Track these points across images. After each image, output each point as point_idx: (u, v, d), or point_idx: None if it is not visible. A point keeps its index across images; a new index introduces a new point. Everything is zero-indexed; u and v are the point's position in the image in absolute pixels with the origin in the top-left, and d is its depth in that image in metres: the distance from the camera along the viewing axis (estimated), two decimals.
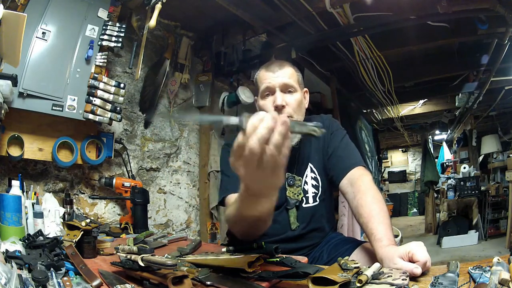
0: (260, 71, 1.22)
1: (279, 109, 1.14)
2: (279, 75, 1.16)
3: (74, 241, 1.02)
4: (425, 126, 7.03)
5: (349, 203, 1.10)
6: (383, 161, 8.71)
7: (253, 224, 0.90)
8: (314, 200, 1.21)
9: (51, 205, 1.47)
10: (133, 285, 0.75)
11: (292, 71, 1.20)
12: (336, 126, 1.28)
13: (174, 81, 2.46)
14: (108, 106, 1.74)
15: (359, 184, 1.07)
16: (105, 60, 1.76)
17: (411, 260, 0.77)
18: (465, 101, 4.50)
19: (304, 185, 1.21)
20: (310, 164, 1.23)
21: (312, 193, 1.21)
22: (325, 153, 1.23)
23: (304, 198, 1.20)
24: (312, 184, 1.21)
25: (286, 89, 1.16)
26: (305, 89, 1.26)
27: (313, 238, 1.21)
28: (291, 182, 1.19)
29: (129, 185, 1.96)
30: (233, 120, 0.62)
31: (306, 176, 1.22)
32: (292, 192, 1.19)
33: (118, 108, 1.78)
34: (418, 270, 0.72)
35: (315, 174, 1.22)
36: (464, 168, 5.65)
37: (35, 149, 1.65)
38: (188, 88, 2.63)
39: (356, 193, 1.05)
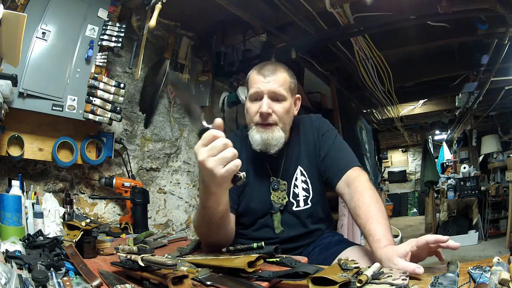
0: (252, 72, 1.18)
1: (264, 116, 1.11)
2: (270, 80, 1.12)
3: (74, 241, 1.02)
4: (425, 126, 7.04)
5: (347, 205, 1.10)
6: (383, 161, 8.70)
7: (210, 219, 0.95)
8: (306, 203, 1.19)
9: (51, 205, 1.47)
10: (133, 285, 0.75)
11: (284, 78, 1.15)
12: (326, 127, 1.25)
13: None
14: (108, 106, 1.74)
15: (356, 185, 1.06)
16: (105, 60, 1.76)
17: (427, 246, 0.79)
18: (465, 101, 4.50)
19: (294, 188, 1.20)
20: (299, 167, 1.21)
21: (303, 196, 1.20)
22: (317, 155, 1.21)
23: (294, 202, 1.19)
24: (302, 187, 1.20)
25: (275, 96, 1.13)
26: (297, 95, 1.23)
27: (306, 240, 1.20)
28: (276, 186, 1.18)
29: (129, 185, 1.96)
30: (205, 124, 0.82)
31: (296, 179, 1.20)
32: (277, 197, 1.18)
33: (118, 108, 1.78)
34: (420, 270, 0.72)
35: (305, 177, 1.21)
36: (464, 168, 5.65)
37: (35, 149, 1.65)
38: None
39: (353, 194, 1.04)
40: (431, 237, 0.79)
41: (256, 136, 1.14)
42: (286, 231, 1.17)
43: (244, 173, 0.81)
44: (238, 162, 0.79)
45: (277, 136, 1.13)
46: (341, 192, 1.12)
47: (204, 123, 0.82)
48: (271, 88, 1.12)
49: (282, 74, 1.15)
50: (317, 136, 1.23)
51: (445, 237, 0.78)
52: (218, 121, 0.81)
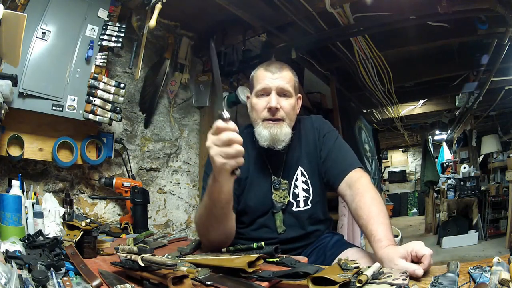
0: (259, 69, 1.21)
1: (272, 111, 1.13)
2: (278, 77, 1.15)
3: (74, 241, 1.02)
4: (425, 126, 7.04)
5: (348, 206, 1.10)
6: (383, 161, 8.71)
7: (211, 210, 0.98)
8: (306, 204, 1.19)
9: (51, 205, 1.47)
10: (133, 285, 0.75)
11: (290, 76, 1.19)
12: (327, 128, 1.26)
13: (174, 81, 2.46)
14: (108, 106, 1.74)
15: (357, 187, 1.06)
16: (105, 60, 1.76)
17: (415, 258, 0.77)
18: (465, 101, 4.50)
19: (294, 188, 1.20)
20: (300, 168, 1.22)
21: (303, 197, 1.20)
22: (318, 156, 1.21)
23: (294, 202, 1.19)
24: (303, 188, 1.20)
25: (282, 92, 1.16)
26: (299, 95, 1.25)
27: (304, 241, 1.20)
28: (277, 185, 1.18)
29: (129, 185, 1.96)
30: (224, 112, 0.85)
31: (297, 179, 1.21)
32: (278, 196, 1.18)
33: (118, 108, 1.78)
34: (420, 271, 0.73)
35: (306, 177, 1.21)
36: (464, 168, 5.65)
37: (35, 149, 1.65)
38: (188, 88, 2.63)
39: (355, 195, 1.05)
40: (420, 252, 0.78)
41: (264, 132, 1.14)
42: (286, 231, 1.17)
43: (239, 170, 0.87)
44: (239, 160, 0.85)
45: (285, 131, 1.15)
46: (342, 193, 1.12)
47: (223, 111, 0.86)
48: (279, 84, 1.15)
49: (288, 72, 1.19)
50: (318, 137, 1.23)
51: (427, 253, 0.77)
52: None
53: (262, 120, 1.16)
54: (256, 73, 1.21)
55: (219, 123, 0.83)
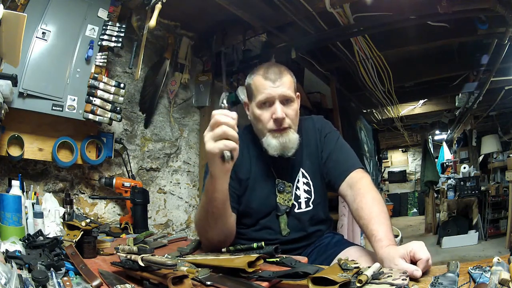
0: (256, 77, 1.15)
1: (279, 122, 1.10)
2: (279, 85, 1.11)
3: (74, 241, 1.02)
4: (425, 126, 7.03)
5: (349, 206, 1.09)
6: (383, 161, 8.70)
7: (208, 208, 0.99)
8: (307, 205, 1.19)
9: (51, 205, 1.47)
10: (133, 285, 0.75)
11: (290, 80, 1.15)
12: (328, 128, 1.25)
13: (174, 81, 2.46)
14: (108, 106, 1.74)
15: (359, 187, 1.06)
16: (105, 60, 1.76)
17: (413, 259, 0.77)
18: (465, 101, 4.50)
19: (296, 190, 1.19)
20: (301, 169, 1.21)
21: (305, 198, 1.19)
22: (320, 157, 1.21)
23: (296, 204, 1.18)
24: (304, 189, 1.20)
25: (285, 99, 1.12)
26: (297, 93, 1.22)
27: (306, 242, 1.20)
28: (281, 188, 1.17)
29: (129, 185, 1.96)
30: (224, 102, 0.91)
31: (298, 181, 1.20)
32: (283, 199, 1.17)
33: (118, 108, 1.78)
34: (418, 273, 0.73)
35: (307, 179, 1.21)
36: (464, 168, 5.65)
37: (35, 149, 1.65)
38: (188, 88, 2.63)
39: (356, 195, 1.04)
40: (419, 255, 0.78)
41: (273, 142, 1.12)
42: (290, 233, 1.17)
43: (228, 153, 0.86)
44: (228, 143, 0.86)
45: (293, 138, 1.13)
46: (343, 194, 1.12)
47: (223, 102, 0.92)
48: (281, 92, 1.11)
49: (288, 77, 1.15)
50: (319, 138, 1.23)
51: (424, 257, 0.76)
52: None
53: (269, 131, 1.13)
54: (254, 81, 1.16)
55: (214, 111, 0.88)
